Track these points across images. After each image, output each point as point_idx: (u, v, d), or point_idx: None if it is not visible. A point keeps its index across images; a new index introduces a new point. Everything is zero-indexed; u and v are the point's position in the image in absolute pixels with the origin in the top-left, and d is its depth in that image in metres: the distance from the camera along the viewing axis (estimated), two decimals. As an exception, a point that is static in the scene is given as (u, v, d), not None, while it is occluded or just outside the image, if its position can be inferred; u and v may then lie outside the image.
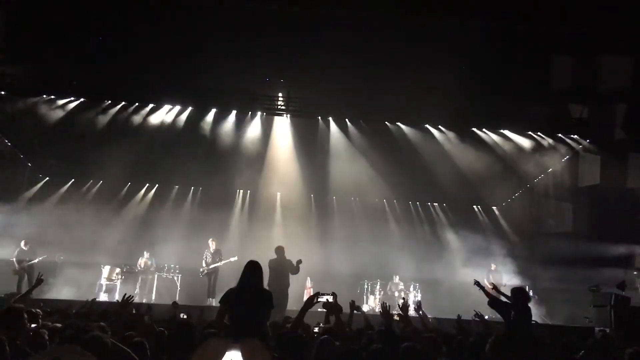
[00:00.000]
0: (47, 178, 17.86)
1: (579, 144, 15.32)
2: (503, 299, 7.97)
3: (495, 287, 8.97)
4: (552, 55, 13.01)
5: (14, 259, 14.00)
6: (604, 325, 11.60)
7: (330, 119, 15.54)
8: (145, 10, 12.05)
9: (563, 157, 15.94)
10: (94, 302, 8.78)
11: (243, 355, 2.02)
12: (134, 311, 7.02)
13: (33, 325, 5.36)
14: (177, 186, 18.30)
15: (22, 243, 14.24)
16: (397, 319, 6.59)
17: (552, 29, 11.86)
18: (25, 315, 5.06)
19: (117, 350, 4.29)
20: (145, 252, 15.27)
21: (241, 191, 18.23)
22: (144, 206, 17.76)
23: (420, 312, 7.76)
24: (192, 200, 18.25)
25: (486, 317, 7.79)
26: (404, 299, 6.77)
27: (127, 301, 6.18)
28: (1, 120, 15.05)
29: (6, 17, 12.42)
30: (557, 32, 11.99)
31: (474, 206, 19.14)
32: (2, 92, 14.04)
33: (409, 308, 6.42)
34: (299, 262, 11.51)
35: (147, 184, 18.29)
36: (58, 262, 14.74)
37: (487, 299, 7.62)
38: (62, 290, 13.41)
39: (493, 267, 15.81)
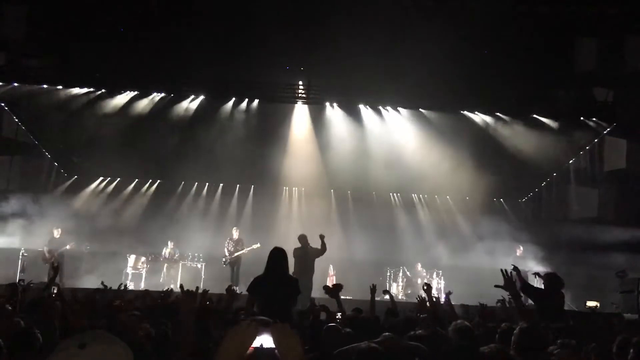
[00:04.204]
0: (72, 176, 18.10)
1: (604, 128, 15.04)
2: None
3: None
4: (576, 38, 12.81)
5: (45, 248, 14.06)
6: (630, 310, 11.48)
7: (346, 105, 15.50)
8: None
9: (589, 141, 15.67)
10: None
11: (273, 338, 2.04)
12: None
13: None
14: (197, 182, 18.38)
15: (55, 232, 14.36)
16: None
17: (578, 10, 11.68)
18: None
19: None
20: (169, 242, 15.42)
21: (264, 181, 18.20)
22: (168, 198, 17.90)
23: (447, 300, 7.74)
24: (215, 191, 18.37)
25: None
26: (427, 284, 6.69)
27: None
28: (27, 115, 15.25)
29: (29, 8, 12.58)
30: (583, 14, 11.80)
31: (494, 199, 18.93)
32: (27, 85, 14.21)
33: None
34: (322, 236, 11.40)
35: (169, 180, 18.29)
36: (85, 252, 14.95)
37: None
38: (89, 280, 13.59)
39: (519, 252, 15.30)
